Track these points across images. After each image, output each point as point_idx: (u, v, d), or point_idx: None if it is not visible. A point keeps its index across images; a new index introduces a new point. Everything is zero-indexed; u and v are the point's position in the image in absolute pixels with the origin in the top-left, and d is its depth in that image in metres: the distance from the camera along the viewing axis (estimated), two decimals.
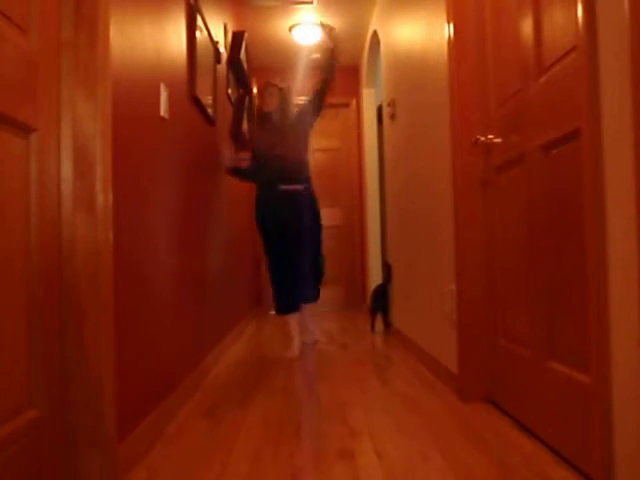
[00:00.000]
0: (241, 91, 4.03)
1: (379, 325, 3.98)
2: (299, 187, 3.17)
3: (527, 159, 1.70)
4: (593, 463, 1.29)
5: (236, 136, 3.73)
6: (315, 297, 3.42)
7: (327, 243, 5.62)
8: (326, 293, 5.58)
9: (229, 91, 3.62)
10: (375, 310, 3.96)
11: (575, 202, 1.40)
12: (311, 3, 4.15)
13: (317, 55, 5.23)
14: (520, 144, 1.75)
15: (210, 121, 2.85)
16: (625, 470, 1.19)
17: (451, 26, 2.14)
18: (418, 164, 2.89)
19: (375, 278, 5.04)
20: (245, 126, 3.97)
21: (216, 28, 3.13)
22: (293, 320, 3.22)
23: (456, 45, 2.13)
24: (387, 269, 3.93)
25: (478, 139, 2.01)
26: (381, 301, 3.93)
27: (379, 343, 3.53)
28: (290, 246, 3.15)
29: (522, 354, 1.75)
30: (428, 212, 2.67)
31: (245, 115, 3.94)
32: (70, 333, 1.30)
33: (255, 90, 4.70)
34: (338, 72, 5.55)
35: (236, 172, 3.48)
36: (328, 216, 5.61)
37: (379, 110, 5.01)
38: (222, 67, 3.33)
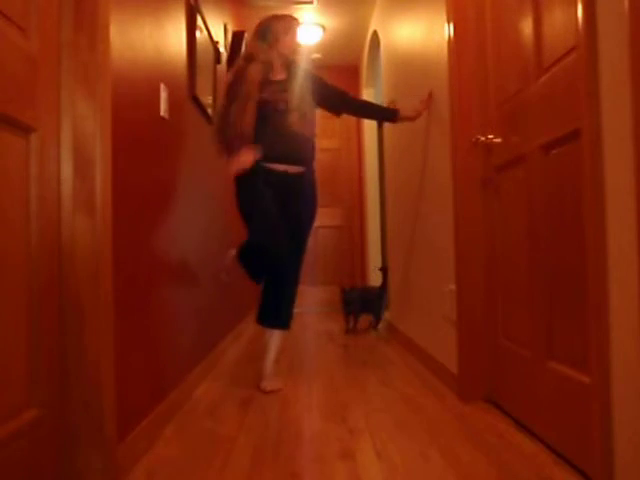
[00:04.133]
0: None
1: (364, 324, 3.99)
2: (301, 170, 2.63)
3: (527, 159, 1.70)
4: (593, 463, 1.29)
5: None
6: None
7: (327, 243, 5.69)
8: (326, 293, 5.61)
9: None
10: (350, 311, 3.88)
11: (575, 202, 1.40)
12: (311, 3, 4.15)
13: (317, 55, 5.24)
14: (520, 144, 1.75)
15: (210, 121, 2.84)
16: (625, 470, 1.19)
17: (451, 26, 2.14)
18: (418, 164, 2.89)
19: (375, 278, 5.03)
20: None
21: (216, 28, 3.13)
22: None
23: (456, 45, 2.13)
24: (384, 272, 3.99)
25: (478, 139, 2.01)
26: (379, 302, 3.94)
27: (379, 343, 3.53)
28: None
29: (522, 354, 1.75)
30: (428, 212, 2.67)
31: None
32: (70, 333, 1.31)
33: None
34: (338, 72, 5.60)
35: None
36: (328, 216, 5.62)
37: None
38: (222, 67, 3.33)
